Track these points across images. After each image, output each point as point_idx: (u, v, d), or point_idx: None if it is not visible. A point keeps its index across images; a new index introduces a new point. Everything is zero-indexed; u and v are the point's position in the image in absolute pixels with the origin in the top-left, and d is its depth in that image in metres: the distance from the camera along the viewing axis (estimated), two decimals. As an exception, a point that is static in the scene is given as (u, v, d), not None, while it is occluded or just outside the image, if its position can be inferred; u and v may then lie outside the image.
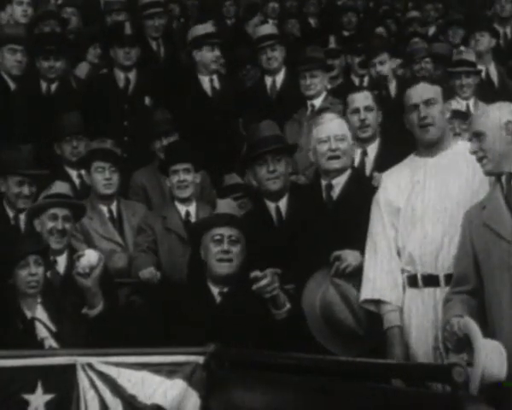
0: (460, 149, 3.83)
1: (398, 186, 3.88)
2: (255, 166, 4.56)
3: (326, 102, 5.73)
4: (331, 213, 4.20)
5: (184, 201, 4.95)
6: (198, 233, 4.25)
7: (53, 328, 4.01)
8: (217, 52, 6.02)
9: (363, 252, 3.95)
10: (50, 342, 3.97)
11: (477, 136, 3.52)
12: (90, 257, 4.07)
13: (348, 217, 4.06)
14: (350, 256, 3.95)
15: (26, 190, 4.86)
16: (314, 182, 4.50)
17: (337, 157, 4.21)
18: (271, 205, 4.54)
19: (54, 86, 5.90)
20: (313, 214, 4.23)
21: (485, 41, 6.69)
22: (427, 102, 3.83)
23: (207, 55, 5.97)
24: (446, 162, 3.82)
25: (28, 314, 4.02)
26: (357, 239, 3.96)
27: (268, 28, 6.56)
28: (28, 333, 3.97)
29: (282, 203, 4.54)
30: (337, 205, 4.20)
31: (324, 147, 4.23)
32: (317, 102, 5.73)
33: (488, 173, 3.56)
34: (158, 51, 6.69)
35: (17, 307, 4.02)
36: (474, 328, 3.28)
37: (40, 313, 4.05)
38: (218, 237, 4.13)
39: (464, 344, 3.31)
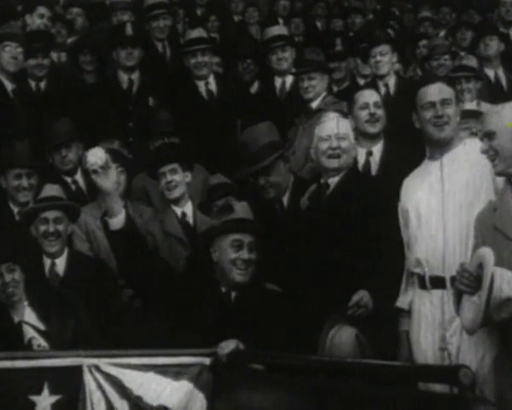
0: (467, 149, 3.79)
1: (410, 190, 3.87)
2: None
3: (323, 102, 5.70)
4: (324, 212, 4.20)
5: (178, 202, 4.89)
6: (212, 237, 4.09)
7: (41, 327, 3.97)
8: (205, 58, 5.99)
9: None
10: (39, 341, 3.93)
11: (488, 135, 3.45)
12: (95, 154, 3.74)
13: (337, 216, 4.08)
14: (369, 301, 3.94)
15: (24, 182, 4.88)
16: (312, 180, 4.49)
17: (337, 156, 4.22)
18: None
19: (43, 84, 5.83)
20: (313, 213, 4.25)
21: (494, 45, 6.69)
22: (444, 102, 3.79)
23: (191, 60, 5.96)
24: (454, 164, 3.78)
25: (16, 319, 3.98)
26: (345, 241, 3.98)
27: (279, 29, 6.57)
28: (16, 337, 3.91)
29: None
30: (328, 204, 4.21)
31: (325, 145, 4.24)
32: (315, 104, 5.69)
33: (499, 174, 3.50)
34: (164, 53, 6.67)
35: (3, 312, 3.97)
36: (489, 252, 3.21)
37: (28, 314, 4.00)
38: (237, 243, 3.98)
39: (477, 283, 3.24)
